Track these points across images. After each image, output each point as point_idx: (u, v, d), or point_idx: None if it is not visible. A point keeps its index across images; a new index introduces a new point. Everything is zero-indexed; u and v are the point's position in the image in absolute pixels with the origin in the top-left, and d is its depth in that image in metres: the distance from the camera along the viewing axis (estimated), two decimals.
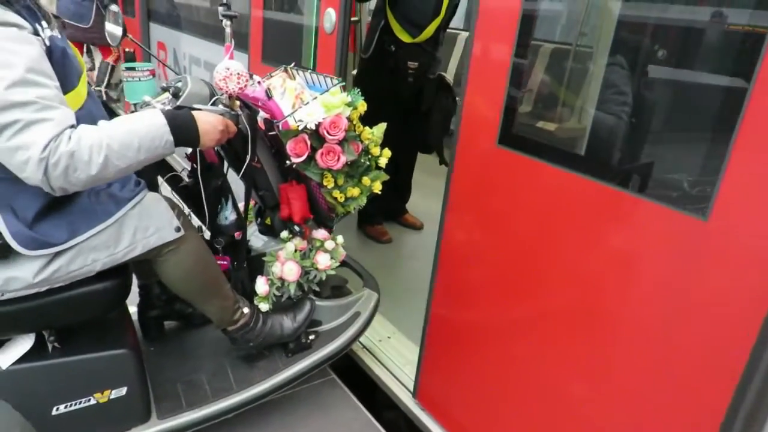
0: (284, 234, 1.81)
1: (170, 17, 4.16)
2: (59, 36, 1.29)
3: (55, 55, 1.23)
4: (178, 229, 1.48)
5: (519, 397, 1.52)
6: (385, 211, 3.35)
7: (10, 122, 1.10)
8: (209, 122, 1.38)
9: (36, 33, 1.18)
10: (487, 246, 1.55)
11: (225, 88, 1.49)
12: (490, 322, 1.57)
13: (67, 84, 1.26)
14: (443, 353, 1.69)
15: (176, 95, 1.54)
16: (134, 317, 1.87)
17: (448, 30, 3.03)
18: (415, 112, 3.08)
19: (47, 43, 1.21)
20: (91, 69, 4.68)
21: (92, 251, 1.35)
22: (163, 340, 1.91)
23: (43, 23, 1.23)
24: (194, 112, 1.37)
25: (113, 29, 1.76)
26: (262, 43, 2.86)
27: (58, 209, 1.32)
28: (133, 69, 1.75)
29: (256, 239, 2.00)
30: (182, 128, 1.32)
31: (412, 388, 1.78)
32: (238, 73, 1.48)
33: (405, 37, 2.79)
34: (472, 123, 1.53)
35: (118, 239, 1.39)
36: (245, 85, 1.51)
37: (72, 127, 1.17)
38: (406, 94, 2.93)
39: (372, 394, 2.13)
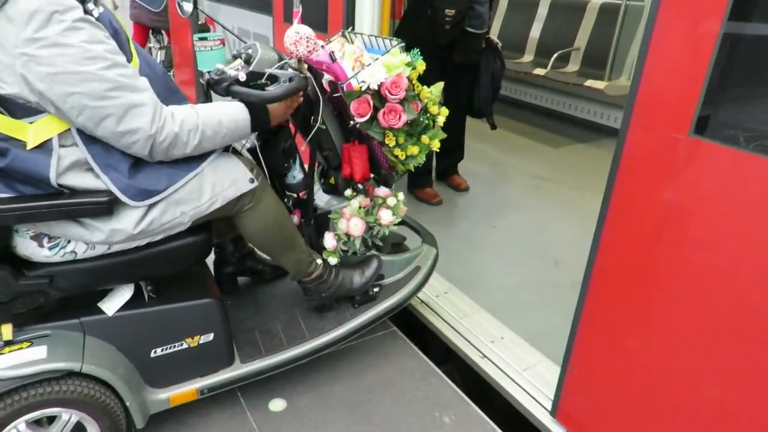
0: (348, 192, 1.89)
1: None
2: (103, 10, 1.31)
3: (107, 32, 1.26)
4: (252, 181, 1.55)
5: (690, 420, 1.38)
6: (437, 170, 3.40)
7: (111, 110, 1.22)
8: (276, 108, 1.56)
9: (87, 12, 1.22)
10: (668, 255, 1.34)
11: (295, 52, 1.55)
12: (658, 341, 1.42)
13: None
14: (592, 369, 1.62)
15: (248, 61, 1.60)
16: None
17: None
18: (462, 67, 3.09)
19: (99, 25, 1.24)
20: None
21: (180, 204, 1.43)
22: (238, 294, 2.02)
23: (91, 4, 1.26)
24: (269, 107, 1.53)
25: (184, 3, 1.83)
26: (284, 4, 2.94)
27: (150, 165, 1.40)
28: (205, 39, 1.82)
29: (318, 199, 2.05)
30: (259, 121, 1.52)
31: (550, 407, 1.76)
32: (308, 37, 1.53)
33: None
34: (652, 108, 1.30)
35: (201, 192, 1.47)
36: (314, 49, 1.56)
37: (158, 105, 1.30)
38: (443, 42, 2.93)
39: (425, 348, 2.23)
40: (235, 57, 1.69)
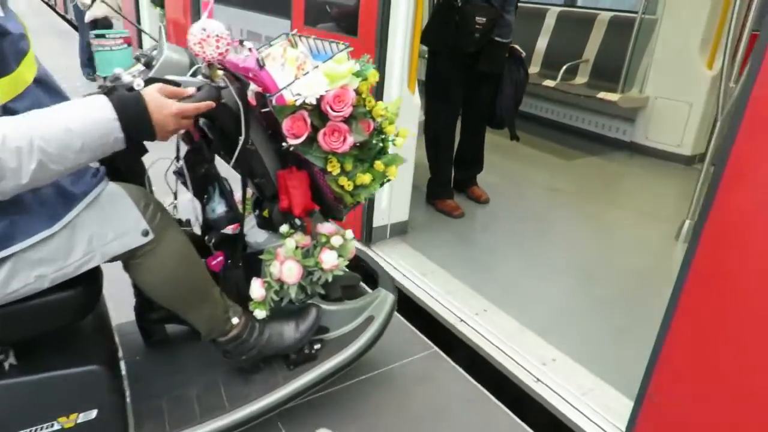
0: (284, 228, 1.55)
1: None
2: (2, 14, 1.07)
3: None
4: (146, 233, 1.22)
5: None
6: (455, 182, 3.30)
7: None
8: (163, 111, 1.10)
9: None
10: None
11: (201, 54, 1.24)
12: (753, 365, 1.29)
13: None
14: (675, 397, 1.48)
15: (149, 65, 1.31)
16: (115, 324, 1.65)
17: (538, 5, 2.93)
18: (484, 77, 3.00)
19: None
20: None
21: (36, 265, 1.10)
22: (153, 349, 1.71)
23: None
24: (146, 98, 1.10)
25: None
26: (305, 5, 2.81)
27: None
28: (102, 36, 1.54)
29: (255, 234, 1.70)
30: (135, 120, 1.07)
31: None
32: (217, 36, 1.23)
33: None
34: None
35: (70, 249, 1.14)
36: (226, 51, 1.26)
37: None
38: (471, 51, 2.84)
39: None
40: (137, 59, 1.40)
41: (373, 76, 1.42)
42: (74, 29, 9.14)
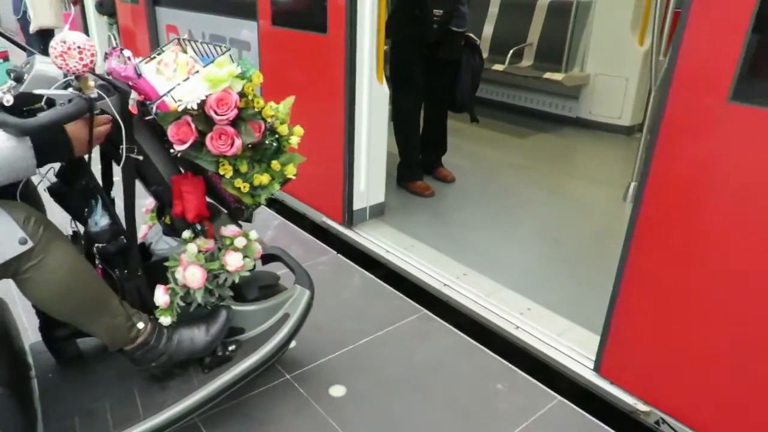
0: (187, 234, 1.54)
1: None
2: None
3: None
4: (23, 241, 1.22)
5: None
6: (423, 164, 3.54)
7: None
8: (80, 134, 1.21)
9: None
10: (706, 209, 1.48)
11: (65, 67, 1.23)
12: (698, 292, 1.55)
13: None
14: (633, 325, 1.74)
15: (19, 80, 1.30)
16: (30, 344, 1.66)
17: None
18: (444, 64, 3.24)
19: None
20: None
21: None
22: (66, 366, 1.68)
23: None
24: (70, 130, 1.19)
25: None
26: (271, 6, 2.98)
27: None
28: None
29: (162, 242, 1.71)
30: (53, 148, 1.17)
31: (593, 365, 1.88)
32: (79, 47, 1.22)
33: None
34: (691, 75, 1.42)
35: None
36: (91, 62, 1.25)
37: None
38: (431, 41, 3.09)
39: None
40: (8, 74, 1.38)
41: (257, 77, 1.42)
42: (12, 43, 8.82)
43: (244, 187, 1.47)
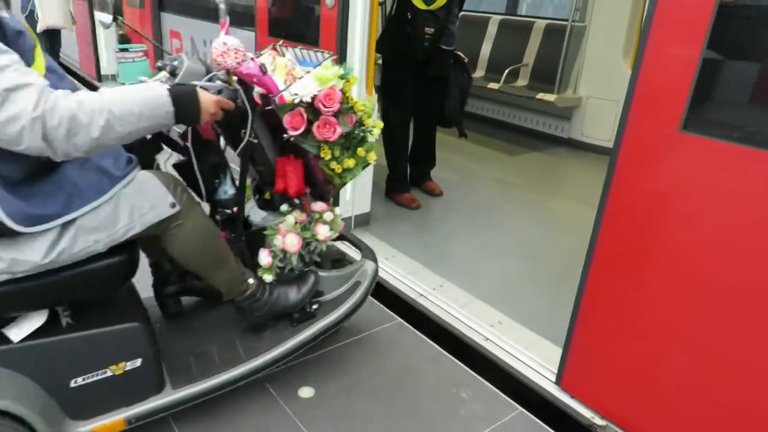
0: (284, 207, 1.83)
1: (185, 6, 4.28)
2: (8, 15, 1.27)
3: (9, 33, 1.22)
4: (173, 205, 1.47)
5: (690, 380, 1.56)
6: (411, 177, 3.62)
7: None
8: (209, 98, 1.42)
9: None
10: (661, 235, 1.55)
11: (223, 64, 1.52)
12: (653, 310, 1.62)
13: (23, 61, 1.21)
14: (592, 340, 1.80)
15: (173, 73, 1.55)
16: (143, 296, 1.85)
17: (481, 14, 3.29)
18: (433, 81, 3.34)
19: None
20: None
21: (92, 232, 1.36)
22: (173, 318, 1.94)
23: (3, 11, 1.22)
24: (198, 89, 1.40)
25: (102, 17, 1.85)
26: (267, 19, 3.10)
27: (46, 182, 1.30)
28: (126, 50, 1.84)
29: (254, 214, 1.99)
30: (184, 100, 1.34)
31: (555, 378, 1.94)
32: (235, 49, 1.51)
33: (420, 4, 3.05)
34: (647, 103, 1.49)
35: (116, 218, 1.39)
36: (242, 60, 1.53)
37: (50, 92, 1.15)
38: (421, 58, 3.19)
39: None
40: (159, 69, 1.65)
41: (354, 78, 1.73)
42: None
43: (338, 168, 1.76)
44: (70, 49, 7.35)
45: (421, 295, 2.50)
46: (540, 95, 4.65)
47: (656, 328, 1.64)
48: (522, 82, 5.10)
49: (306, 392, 1.93)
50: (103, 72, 6.72)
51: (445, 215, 3.41)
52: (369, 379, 2.02)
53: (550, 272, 2.79)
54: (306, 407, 1.87)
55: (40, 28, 5.79)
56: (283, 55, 1.79)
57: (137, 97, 1.28)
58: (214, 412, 1.82)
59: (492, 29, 5.40)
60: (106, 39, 6.50)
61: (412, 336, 2.29)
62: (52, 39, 6.07)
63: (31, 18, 5.81)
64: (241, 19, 3.41)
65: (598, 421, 1.83)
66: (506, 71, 4.90)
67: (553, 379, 1.98)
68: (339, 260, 2.14)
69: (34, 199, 1.28)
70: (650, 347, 1.66)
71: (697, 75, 1.39)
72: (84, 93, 1.22)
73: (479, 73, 5.39)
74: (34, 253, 1.31)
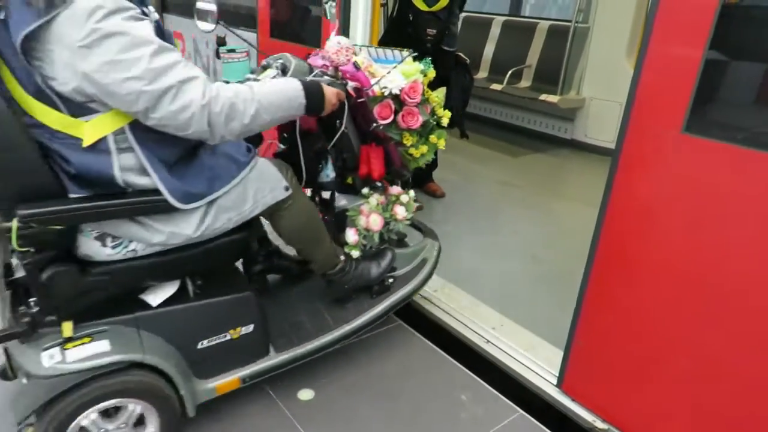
0: (365, 190, 2.02)
1: (187, 8, 4.28)
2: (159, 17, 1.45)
3: (164, 32, 1.35)
4: (287, 188, 1.68)
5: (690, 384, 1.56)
6: (413, 178, 3.60)
7: (165, 88, 1.22)
8: (331, 91, 1.59)
9: (144, 14, 1.29)
10: (662, 238, 1.55)
11: (336, 60, 1.68)
12: (653, 313, 1.62)
13: None
14: (593, 343, 1.80)
15: (284, 71, 1.72)
16: None
17: (484, 15, 3.29)
18: (433, 83, 3.32)
19: (152, 23, 1.32)
20: None
21: (227, 211, 1.54)
22: (265, 291, 2.11)
23: (150, 8, 1.37)
24: (321, 83, 1.58)
25: (202, 24, 1.95)
26: (269, 21, 3.12)
27: (191, 166, 1.47)
28: (233, 51, 1.99)
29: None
30: (313, 93, 1.52)
31: (556, 381, 1.94)
32: (347, 47, 1.66)
33: (421, 5, 3.05)
34: (649, 105, 1.49)
35: (244, 199, 1.57)
36: (350, 58, 1.69)
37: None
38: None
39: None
40: (264, 67, 1.80)
41: (432, 73, 1.93)
42: None
43: (417, 153, 1.96)
44: None
45: (422, 297, 2.49)
46: (543, 96, 4.64)
47: (658, 331, 1.62)
48: (525, 83, 5.08)
49: (305, 394, 1.93)
50: None
51: (446, 217, 3.39)
52: (369, 381, 2.02)
53: (552, 274, 2.78)
54: (305, 409, 1.86)
55: None
56: (357, 54, 1.94)
57: (278, 89, 1.46)
58: (214, 413, 1.82)
59: (495, 30, 5.38)
60: None
61: (412, 338, 2.28)
62: None
63: None
64: (243, 19, 3.41)
65: (600, 424, 1.81)
66: (509, 72, 4.89)
67: (555, 382, 1.96)
68: (400, 240, 2.28)
69: (187, 179, 1.44)
70: (652, 350, 1.65)
71: (699, 76, 1.38)
72: (235, 85, 1.39)
73: (482, 74, 5.38)
74: (188, 227, 1.48)
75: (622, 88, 4.36)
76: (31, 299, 1.38)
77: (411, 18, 3.05)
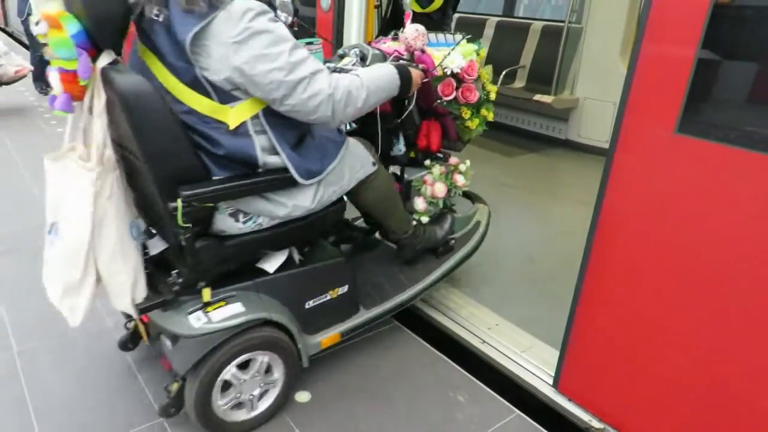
0: (427, 162, 2.25)
1: None
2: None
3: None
4: (374, 164, 1.90)
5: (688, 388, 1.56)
6: None
7: (300, 78, 1.44)
8: (416, 73, 1.81)
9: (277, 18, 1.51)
10: (657, 238, 1.56)
11: (414, 45, 1.91)
12: (648, 314, 1.62)
13: None
14: (589, 344, 1.81)
15: (363, 58, 1.94)
16: None
17: (478, 15, 3.30)
18: None
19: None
20: None
21: (332, 185, 1.75)
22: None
23: (279, 12, 1.62)
24: (413, 75, 1.78)
25: (282, 15, 2.10)
26: None
27: (306, 147, 1.67)
28: (312, 43, 2.19)
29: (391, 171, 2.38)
30: (405, 77, 1.74)
31: (552, 381, 1.95)
32: (423, 33, 1.91)
33: (415, 7, 3.06)
34: (642, 105, 1.51)
35: (343, 175, 1.78)
36: (424, 43, 1.93)
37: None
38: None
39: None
40: (341, 56, 2.01)
41: (483, 52, 2.12)
42: (18, 43, 8.99)
43: (472, 125, 2.15)
44: None
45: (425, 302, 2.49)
46: (537, 97, 4.65)
47: (653, 331, 1.63)
48: (519, 83, 5.10)
49: (302, 396, 1.92)
50: None
51: None
52: (365, 382, 2.02)
53: (547, 274, 2.79)
54: (302, 411, 1.86)
55: (35, 31, 5.78)
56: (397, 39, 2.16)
57: (380, 75, 1.67)
58: None
59: (489, 31, 5.39)
60: None
61: (408, 339, 2.28)
62: None
63: (27, 21, 5.80)
64: None
65: (596, 424, 1.82)
66: (503, 73, 4.90)
67: (551, 382, 1.97)
68: (452, 206, 2.48)
69: (305, 158, 1.64)
70: (648, 350, 1.65)
71: (692, 76, 1.39)
72: (347, 75, 1.59)
73: None
74: (306, 200, 1.68)
75: (616, 88, 4.37)
76: (173, 271, 1.60)
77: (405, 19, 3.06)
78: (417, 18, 3.07)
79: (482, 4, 8.64)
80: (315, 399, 1.92)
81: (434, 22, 3.12)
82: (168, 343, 1.65)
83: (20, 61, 5.47)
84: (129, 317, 1.95)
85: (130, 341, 2.02)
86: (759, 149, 1.31)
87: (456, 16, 5.45)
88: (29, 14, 5.76)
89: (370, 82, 1.60)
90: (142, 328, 1.81)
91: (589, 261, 1.75)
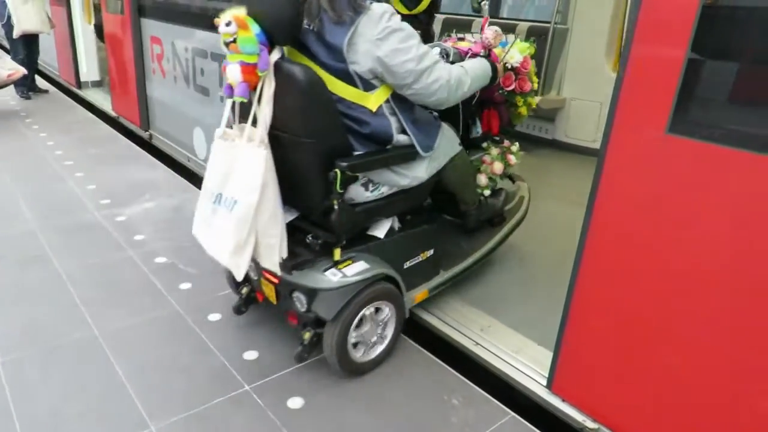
0: (484, 144, 2.56)
1: (165, 12, 4.22)
2: None
3: None
4: (459, 144, 2.20)
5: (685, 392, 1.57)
6: None
7: (426, 67, 1.76)
8: (499, 67, 2.20)
9: None
10: (649, 236, 1.56)
11: (492, 43, 2.26)
12: (641, 313, 1.63)
13: None
14: (582, 344, 1.81)
15: (447, 55, 2.25)
16: None
17: (462, 16, 3.35)
18: None
19: None
20: None
21: (434, 160, 2.04)
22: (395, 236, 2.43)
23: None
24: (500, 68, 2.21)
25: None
26: None
27: (420, 126, 1.94)
28: None
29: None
30: (495, 69, 2.14)
31: (546, 382, 1.95)
32: (500, 34, 2.30)
33: (401, 8, 3.06)
34: (633, 105, 1.52)
35: (440, 153, 2.06)
36: (499, 42, 2.31)
37: None
38: None
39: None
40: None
41: (533, 49, 2.44)
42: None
43: (524, 111, 2.52)
44: (48, 55, 7.24)
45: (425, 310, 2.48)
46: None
47: (647, 330, 1.63)
48: None
49: (295, 402, 1.90)
50: (83, 78, 6.63)
51: None
52: (359, 387, 2.00)
53: (538, 274, 2.79)
54: (295, 418, 1.84)
55: (16, 33, 5.68)
56: (463, 39, 2.52)
57: (478, 66, 2.05)
58: (203, 422, 1.78)
59: (476, 33, 5.39)
60: (86, 44, 6.42)
61: (401, 343, 2.26)
62: (29, 45, 5.96)
63: (9, 24, 5.70)
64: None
65: (590, 424, 1.82)
66: None
67: (544, 383, 1.97)
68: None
69: (423, 135, 1.93)
70: (641, 349, 1.66)
71: (683, 76, 1.39)
72: (456, 65, 1.94)
73: None
74: (422, 171, 1.99)
75: (602, 88, 4.47)
76: (309, 235, 1.92)
77: None
78: (405, 20, 3.09)
79: (465, 5, 8.65)
80: (308, 405, 1.89)
81: (422, 24, 3.13)
82: (303, 298, 1.88)
83: (13, 64, 5.37)
84: (240, 284, 2.22)
85: (244, 305, 2.24)
86: (750, 148, 1.32)
87: (442, 17, 5.47)
88: (9, 17, 5.65)
89: (472, 72, 1.97)
90: (269, 290, 2.03)
91: (581, 261, 1.76)
